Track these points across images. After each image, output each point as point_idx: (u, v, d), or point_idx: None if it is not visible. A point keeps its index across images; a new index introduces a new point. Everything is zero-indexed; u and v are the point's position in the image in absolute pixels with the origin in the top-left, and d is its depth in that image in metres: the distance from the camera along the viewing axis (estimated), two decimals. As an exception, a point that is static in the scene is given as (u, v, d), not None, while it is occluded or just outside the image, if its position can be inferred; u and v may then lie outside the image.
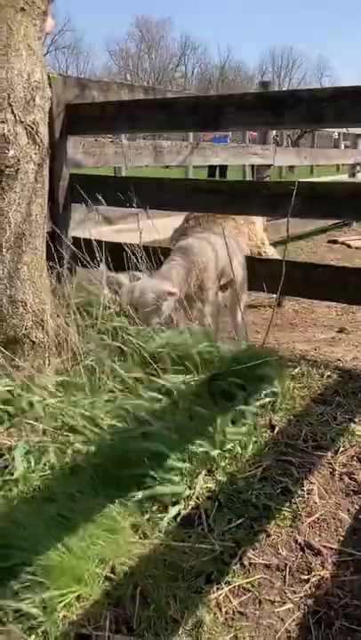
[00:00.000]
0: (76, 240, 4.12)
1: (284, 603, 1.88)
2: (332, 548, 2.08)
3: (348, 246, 9.37)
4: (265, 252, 5.68)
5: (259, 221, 5.73)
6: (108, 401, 2.67)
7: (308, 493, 2.30)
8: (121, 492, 2.17)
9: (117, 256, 3.82)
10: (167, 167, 18.10)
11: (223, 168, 18.58)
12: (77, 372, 2.85)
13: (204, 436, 2.47)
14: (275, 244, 6.26)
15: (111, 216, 4.99)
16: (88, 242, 3.87)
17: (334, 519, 2.20)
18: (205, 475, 2.36)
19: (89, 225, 4.35)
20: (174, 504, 2.18)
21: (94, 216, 4.36)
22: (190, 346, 2.96)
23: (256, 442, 2.56)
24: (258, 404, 2.76)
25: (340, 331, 4.91)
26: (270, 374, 2.88)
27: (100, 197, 4.11)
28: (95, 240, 3.79)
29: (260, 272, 3.88)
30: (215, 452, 2.43)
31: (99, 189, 4.17)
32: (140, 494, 2.16)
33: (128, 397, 2.70)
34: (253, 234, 5.60)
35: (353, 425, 2.72)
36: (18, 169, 2.78)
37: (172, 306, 3.43)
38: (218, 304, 3.78)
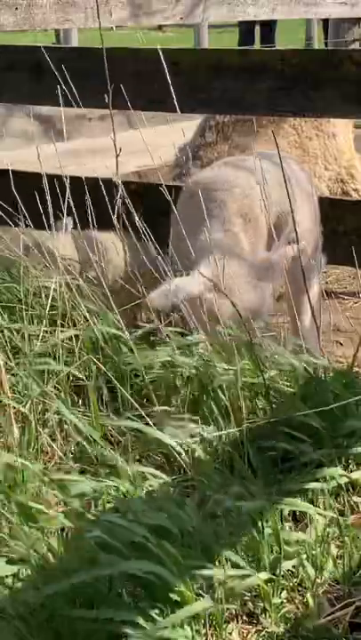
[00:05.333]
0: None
1: None
2: None
3: None
4: (356, 188, 3.78)
5: (343, 132, 3.74)
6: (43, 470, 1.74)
7: None
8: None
9: (78, 202, 2.46)
10: (160, 29, 11.76)
11: (268, 27, 10.30)
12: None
13: (239, 544, 1.59)
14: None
15: (56, 120, 3.30)
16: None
17: None
18: (241, 625, 1.49)
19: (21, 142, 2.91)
20: None
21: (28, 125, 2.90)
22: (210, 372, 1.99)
23: (341, 555, 1.65)
24: (344, 480, 1.82)
25: None
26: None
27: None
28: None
29: (348, 227, 2.63)
30: (261, 577, 1.53)
31: (29, 72, 2.73)
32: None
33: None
34: (333, 155, 3.67)
35: None
36: None
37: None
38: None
